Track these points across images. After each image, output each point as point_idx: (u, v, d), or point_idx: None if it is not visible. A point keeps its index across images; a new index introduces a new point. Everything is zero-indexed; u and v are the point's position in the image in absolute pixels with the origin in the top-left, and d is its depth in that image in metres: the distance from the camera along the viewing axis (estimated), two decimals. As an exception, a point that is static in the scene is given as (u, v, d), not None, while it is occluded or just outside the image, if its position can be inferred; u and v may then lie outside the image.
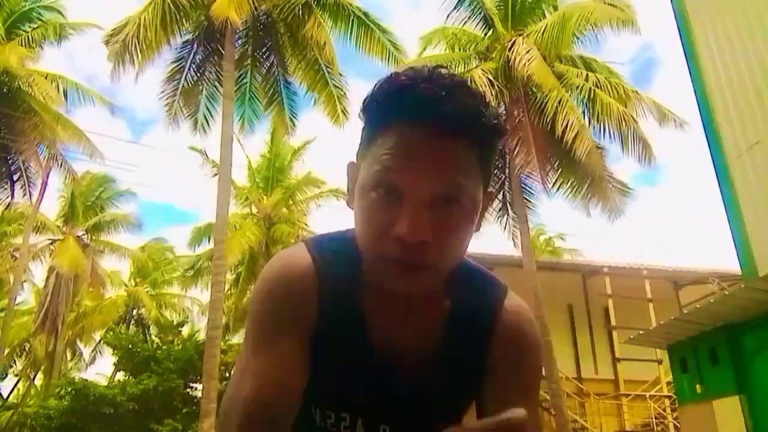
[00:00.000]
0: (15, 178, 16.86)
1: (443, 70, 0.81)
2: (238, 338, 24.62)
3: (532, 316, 0.99)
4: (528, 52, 11.99)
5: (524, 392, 0.92)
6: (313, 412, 0.95)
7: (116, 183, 24.56)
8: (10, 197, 16.81)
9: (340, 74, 14.26)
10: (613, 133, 13.31)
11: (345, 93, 14.40)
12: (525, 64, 11.89)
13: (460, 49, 14.53)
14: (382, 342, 0.90)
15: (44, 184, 17.85)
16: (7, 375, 25.32)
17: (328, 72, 14.27)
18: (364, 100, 0.84)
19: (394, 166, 0.77)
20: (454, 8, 13.76)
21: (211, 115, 14.55)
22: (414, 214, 0.75)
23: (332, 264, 0.91)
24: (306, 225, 22.01)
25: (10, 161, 16.58)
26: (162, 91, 14.24)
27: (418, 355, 0.91)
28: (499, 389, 0.92)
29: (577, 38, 13.46)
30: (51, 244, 22.62)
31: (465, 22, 14.00)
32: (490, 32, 13.85)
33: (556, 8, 13.72)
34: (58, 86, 16.44)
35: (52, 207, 23.55)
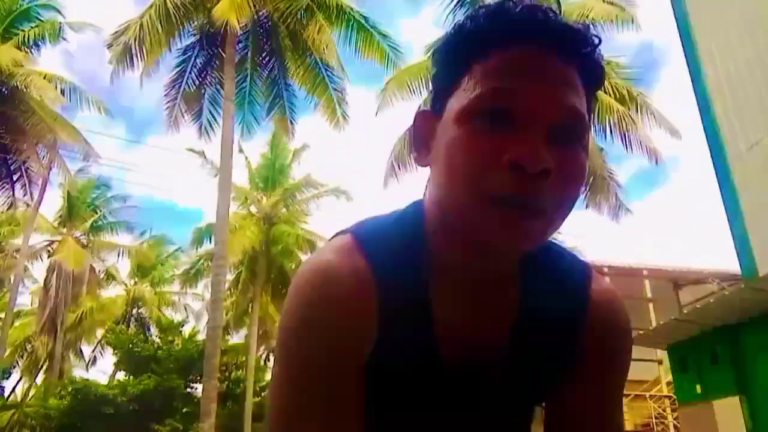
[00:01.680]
0: (15, 178, 16.88)
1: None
2: (238, 338, 24.66)
3: (621, 299, 0.83)
4: None
5: (616, 384, 0.80)
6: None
7: (115, 183, 24.65)
8: (11, 197, 16.83)
9: (339, 78, 14.29)
10: (614, 134, 13.32)
11: (344, 97, 14.44)
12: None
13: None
14: (452, 341, 0.74)
15: (44, 184, 17.87)
16: (11, 374, 25.36)
17: (328, 75, 14.29)
18: (446, 34, 0.71)
19: (505, 85, 0.63)
20: (452, 11, 13.77)
21: (215, 119, 14.59)
22: (534, 140, 0.61)
23: (393, 262, 0.72)
24: (306, 223, 22.05)
25: (11, 161, 16.59)
26: (165, 94, 14.29)
27: (491, 351, 0.75)
28: (590, 382, 0.77)
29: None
30: (50, 245, 22.62)
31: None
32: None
33: (559, 5, 13.73)
34: (56, 86, 16.45)
35: (50, 208, 23.53)
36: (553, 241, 0.82)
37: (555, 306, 0.77)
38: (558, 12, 0.68)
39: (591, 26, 0.71)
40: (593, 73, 0.69)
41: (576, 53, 0.67)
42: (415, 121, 0.74)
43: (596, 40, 0.69)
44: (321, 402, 0.67)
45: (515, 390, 0.78)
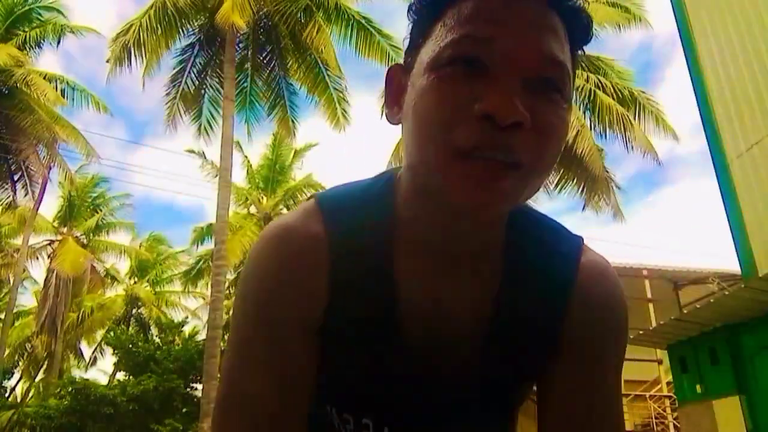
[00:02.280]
0: (16, 177, 16.89)
1: None
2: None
3: (615, 273, 0.76)
4: None
5: (610, 363, 0.73)
6: (331, 417, 0.77)
7: (115, 183, 24.66)
8: (12, 197, 16.83)
9: (339, 77, 14.29)
10: (614, 134, 13.34)
11: (345, 97, 14.44)
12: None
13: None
14: (417, 322, 0.69)
15: (44, 184, 17.87)
16: (13, 374, 25.37)
17: (329, 75, 14.30)
18: None
19: (477, 32, 0.58)
20: None
21: (214, 119, 14.61)
22: (508, 89, 0.56)
23: (353, 225, 0.70)
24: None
25: (11, 161, 16.60)
26: (165, 94, 14.31)
27: (463, 338, 0.70)
28: (581, 363, 0.71)
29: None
30: (50, 244, 22.63)
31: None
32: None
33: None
34: (56, 86, 16.46)
35: (50, 208, 23.55)
36: (544, 214, 0.79)
37: (540, 282, 0.72)
38: None
39: None
40: (579, 22, 0.63)
41: (561, 3, 0.61)
42: (387, 76, 0.70)
43: (581, 3, 0.63)
44: (263, 358, 0.66)
45: (491, 372, 0.72)
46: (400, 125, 0.66)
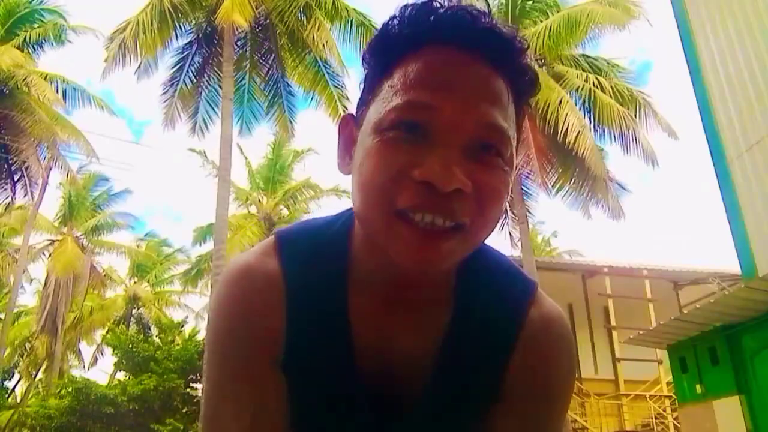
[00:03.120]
0: (16, 177, 16.89)
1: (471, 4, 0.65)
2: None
3: (564, 323, 0.78)
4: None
5: (541, 412, 0.74)
6: None
7: (114, 183, 24.66)
8: (11, 197, 16.84)
9: (340, 75, 14.29)
10: (614, 134, 13.34)
11: (345, 94, 14.43)
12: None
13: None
14: (370, 357, 0.72)
15: (44, 184, 17.88)
16: (13, 374, 25.38)
17: (328, 73, 14.29)
18: (374, 35, 0.68)
19: (421, 99, 0.60)
20: None
21: (210, 118, 14.59)
22: (450, 156, 0.58)
23: (307, 263, 0.73)
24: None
25: (11, 161, 16.60)
26: (163, 92, 14.29)
27: (413, 372, 0.73)
28: (511, 410, 0.73)
29: (578, 38, 13.47)
30: (50, 244, 22.64)
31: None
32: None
33: (557, 9, 13.74)
34: (57, 86, 16.47)
35: (50, 207, 23.55)
36: (501, 256, 0.80)
37: (486, 329, 0.74)
38: (488, 14, 0.64)
39: (517, 30, 0.67)
40: (522, 79, 0.65)
41: (503, 59, 0.63)
42: (339, 126, 0.72)
43: (524, 44, 0.65)
44: (236, 396, 0.69)
45: (438, 413, 0.74)
46: (350, 176, 0.68)
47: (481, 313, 0.74)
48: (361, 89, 0.69)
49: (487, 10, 0.64)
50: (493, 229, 0.64)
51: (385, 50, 0.65)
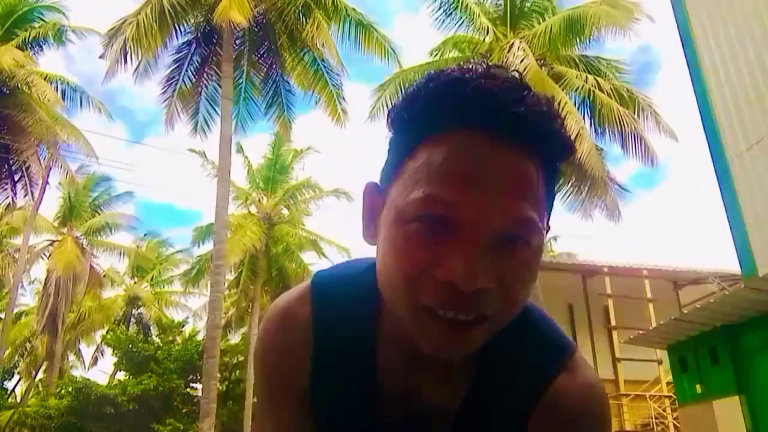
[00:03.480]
0: (16, 178, 16.88)
1: (501, 68, 0.62)
2: (238, 338, 24.65)
3: (596, 395, 0.74)
4: (522, 60, 11.90)
5: None
6: None
7: (114, 183, 24.65)
8: (12, 197, 16.83)
9: (338, 74, 14.28)
10: (613, 134, 13.33)
11: (343, 93, 14.43)
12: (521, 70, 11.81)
13: (460, 53, 14.52)
14: (392, 410, 0.76)
15: (44, 184, 17.87)
16: (12, 374, 25.37)
17: (327, 72, 14.28)
18: (397, 104, 0.65)
19: (443, 194, 0.57)
20: (447, 13, 13.75)
21: (211, 117, 14.59)
22: (473, 254, 0.57)
23: (337, 315, 0.77)
24: (304, 225, 22.05)
25: (11, 161, 16.60)
26: (162, 92, 14.29)
27: (438, 425, 0.75)
28: None
29: (579, 39, 13.47)
30: (50, 244, 22.64)
31: (461, 26, 13.98)
32: (490, 34, 13.82)
33: (554, 11, 13.75)
34: (57, 87, 16.46)
35: (50, 208, 23.53)
36: (541, 317, 0.77)
37: (506, 392, 0.73)
38: (521, 88, 0.60)
39: (552, 98, 0.63)
40: (556, 149, 0.63)
41: (536, 141, 0.60)
42: (364, 195, 0.71)
43: (560, 120, 0.62)
44: (270, 413, 0.81)
45: None
46: (374, 245, 0.68)
47: (503, 376, 0.73)
48: (387, 155, 0.67)
49: (519, 78, 0.61)
50: (520, 309, 0.64)
51: (409, 127, 0.63)
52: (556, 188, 0.67)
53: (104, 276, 25.25)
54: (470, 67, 0.61)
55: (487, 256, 0.58)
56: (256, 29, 14.49)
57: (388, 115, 0.66)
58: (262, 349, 0.81)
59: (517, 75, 0.62)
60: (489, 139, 0.58)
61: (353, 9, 13.75)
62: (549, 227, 0.65)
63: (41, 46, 16.83)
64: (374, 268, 0.71)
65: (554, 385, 0.72)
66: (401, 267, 0.60)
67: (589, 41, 13.58)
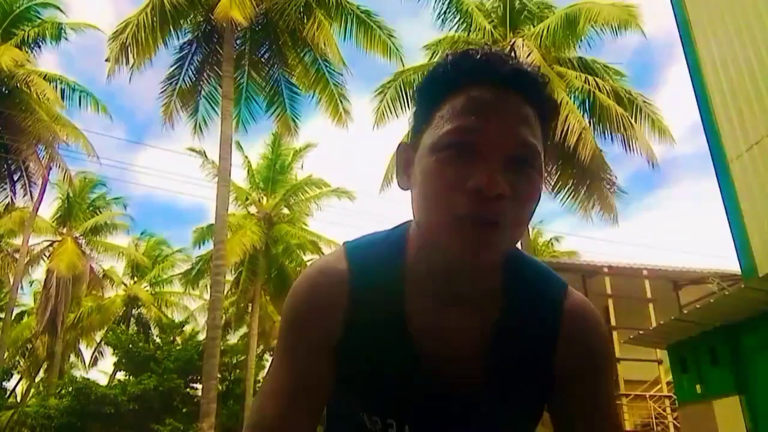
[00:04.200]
0: (15, 178, 16.88)
1: (497, 48, 0.82)
2: (237, 338, 24.65)
3: (595, 310, 0.92)
4: (529, 55, 11.92)
5: (603, 394, 0.89)
6: (363, 418, 0.92)
7: (115, 183, 24.67)
8: (11, 197, 16.83)
9: (340, 72, 14.25)
10: (613, 135, 13.33)
11: (345, 93, 14.40)
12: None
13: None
14: (426, 347, 0.85)
15: (44, 185, 17.87)
16: (12, 375, 25.37)
17: (329, 71, 14.26)
18: (424, 78, 0.84)
19: (467, 124, 0.75)
20: (447, 14, 13.75)
21: (210, 117, 14.58)
22: (494, 168, 0.73)
23: (370, 266, 0.88)
24: (305, 224, 22.03)
25: (10, 161, 16.59)
26: (161, 91, 14.28)
27: (469, 361, 0.85)
28: (575, 395, 0.87)
29: (577, 38, 13.47)
30: (50, 245, 22.63)
31: (462, 27, 13.97)
32: (488, 36, 13.82)
33: (551, 11, 13.75)
34: (56, 86, 16.45)
35: (50, 208, 23.46)
36: (534, 259, 0.95)
37: (532, 321, 0.87)
38: (515, 57, 0.80)
39: (540, 68, 0.82)
40: (546, 106, 0.80)
41: (530, 91, 0.78)
42: (397, 152, 0.87)
43: (546, 79, 0.81)
44: (290, 363, 0.85)
45: (492, 389, 0.86)
46: (410, 190, 0.83)
47: (525, 308, 0.87)
48: (414, 121, 0.85)
49: (514, 54, 0.81)
50: (527, 225, 0.79)
51: (434, 89, 0.81)
52: (548, 140, 0.83)
53: (103, 276, 25.25)
54: (476, 47, 0.81)
55: (504, 172, 0.73)
56: (257, 28, 14.47)
57: (417, 86, 0.85)
58: (297, 303, 0.88)
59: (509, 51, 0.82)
60: (496, 87, 0.77)
61: (356, 6, 13.71)
62: (545, 171, 0.80)
63: (40, 45, 16.82)
64: (398, 229, 0.92)
65: (566, 310, 0.89)
66: (438, 184, 0.75)
67: (588, 41, 13.58)
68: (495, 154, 0.74)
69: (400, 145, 0.87)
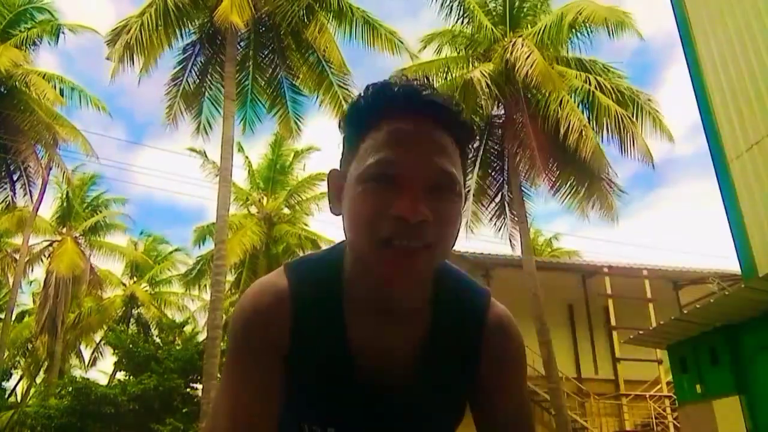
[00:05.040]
0: (15, 178, 16.88)
1: (415, 80, 0.86)
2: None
3: (512, 317, 1.01)
4: (529, 56, 11.90)
5: (517, 390, 0.99)
6: (304, 429, 0.96)
7: (115, 183, 24.67)
8: (11, 197, 16.82)
9: (343, 74, 14.23)
10: (612, 135, 13.32)
11: (351, 94, 14.37)
12: (527, 67, 11.76)
13: (458, 51, 14.50)
14: (364, 358, 0.90)
15: (44, 185, 17.86)
16: (11, 375, 25.36)
17: (332, 73, 14.25)
18: (347, 109, 0.88)
19: (388, 156, 0.79)
20: (448, 11, 13.74)
21: (214, 118, 14.58)
22: (415, 195, 0.77)
23: (309, 283, 0.92)
24: (306, 225, 22.02)
25: (10, 161, 16.58)
26: (166, 93, 14.29)
27: (403, 368, 0.91)
28: (492, 393, 0.97)
29: (577, 39, 13.47)
30: (50, 245, 22.62)
31: (461, 22, 13.96)
32: (489, 33, 13.81)
33: (429, 81, 13.72)
34: (55, 86, 16.44)
35: (50, 208, 23.43)
36: (460, 272, 1.01)
37: (457, 330, 0.94)
38: (431, 87, 0.84)
39: (451, 96, 0.88)
40: (462, 132, 0.85)
41: (445, 119, 0.83)
42: (328, 179, 0.91)
43: (459, 107, 0.85)
44: (241, 376, 0.87)
45: (427, 406, 0.94)
46: (341, 216, 0.87)
47: (452, 318, 0.94)
48: (342, 148, 0.89)
49: (429, 84, 0.85)
50: (452, 246, 0.84)
51: (357, 121, 0.85)
52: (468, 164, 0.91)
53: (103, 277, 25.23)
54: (395, 79, 0.85)
55: (425, 199, 0.78)
56: (261, 30, 14.49)
57: (341, 118, 0.89)
58: (244, 318, 0.90)
59: (425, 81, 0.85)
60: (414, 119, 0.81)
61: (357, 7, 13.72)
62: (468, 189, 0.86)
63: (37, 45, 16.81)
64: (336, 249, 0.97)
65: (488, 318, 0.97)
66: (363, 211, 0.79)
67: (588, 41, 13.57)
68: (416, 183, 0.78)
69: (330, 172, 0.91)
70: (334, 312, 0.90)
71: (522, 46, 12.26)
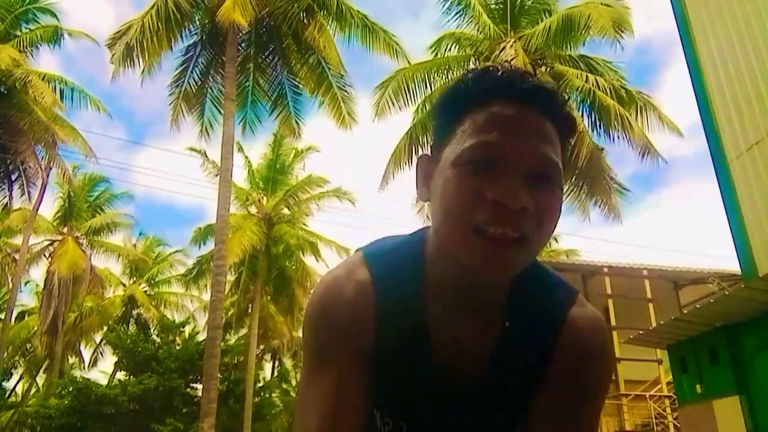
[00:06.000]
0: (14, 178, 16.87)
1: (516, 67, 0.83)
2: (237, 339, 24.64)
3: (603, 326, 0.91)
4: (513, 60, 11.87)
5: (579, 405, 0.85)
6: (375, 417, 0.94)
7: (114, 184, 24.64)
8: (9, 198, 16.81)
9: (341, 75, 14.24)
10: (613, 134, 13.32)
11: (350, 96, 14.39)
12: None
13: (460, 51, 14.51)
14: (443, 354, 0.87)
15: (44, 185, 17.85)
16: (12, 375, 25.36)
17: (332, 75, 14.26)
18: (444, 93, 0.84)
19: (490, 139, 0.74)
20: (450, 10, 13.75)
21: (215, 119, 14.60)
22: (514, 183, 0.72)
23: (391, 273, 0.88)
24: (306, 225, 22.02)
25: (9, 161, 16.57)
26: (169, 94, 14.32)
27: (476, 365, 0.87)
28: (551, 400, 0.85)
29: (577, 38, 13.46)
30: (50, 245, 22.62)
31: (463, 24, 13.98)
32: (491, 32, 13.81)
33: (550, 13, 13.75)
34: (55, 87, 16.44)
35: (50, 208, 23.43)
36: (545, 267, 0.94)
37: (534, 327, 0.87)
38: (534, 74, 0.81)
39: (559, 87, 0.84)
40: (565, 124, 0.81)
41: (550, 108, 0.78)
42: (417, 164, 0.88)
43: (565, 97, 0.81)
44: (327, 373, 0.83)
45: (497, 404, 0.89)
46: (428, 202, 0.84)
47: (530, 314, 0.88)
48: (434, 135, 0.85)
49: (533, 71, 0.81)
50: (549, 239, 0.79)
51: (455, 104, 0.81)
52: (566, 156, 0.84)
53: (103, 277, 25.22)
54: (495, 64, 0.82)
55: (526, 187, 0.73)
56: (261, 31, 14.50)
57: (436, 101, 0.85)
58: (323, 309, 0.87)
59: (530, 69, 0.84)
60: (518, 104, 0.76)
61: (357, 11, 13.73)
62: (562, 187, 0.79)
63: (38, 47, 16.80)
64: (416, 236, 0.92)
65: (570, 318, 0.88)
66: (457, 194, 0.74)
67: (589, 40, 13.57)
68: (517, 170, 0.73)
69: (420, 156, 0.88)
70: (416, 305, 0.87)
71: (510, 47, 12.26)
